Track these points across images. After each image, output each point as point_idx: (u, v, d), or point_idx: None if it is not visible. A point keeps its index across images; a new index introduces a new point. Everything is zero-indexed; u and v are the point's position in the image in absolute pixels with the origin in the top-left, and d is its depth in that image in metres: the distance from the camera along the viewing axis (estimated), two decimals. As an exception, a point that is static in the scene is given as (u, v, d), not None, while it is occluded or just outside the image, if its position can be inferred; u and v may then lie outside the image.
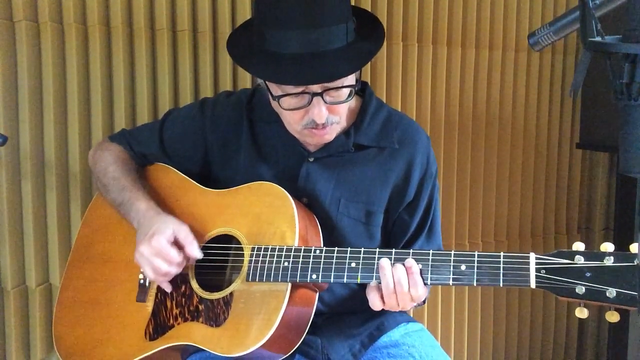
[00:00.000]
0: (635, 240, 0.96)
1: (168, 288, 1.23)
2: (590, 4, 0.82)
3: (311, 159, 1.30)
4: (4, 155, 1.58)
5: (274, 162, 1.32)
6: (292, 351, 1.17)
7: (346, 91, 1.17)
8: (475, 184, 2.15)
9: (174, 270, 1.19)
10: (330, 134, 1.23)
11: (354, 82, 1.18)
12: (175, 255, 1.17)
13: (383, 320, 1.35)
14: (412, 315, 1.45)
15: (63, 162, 1.66)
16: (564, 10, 2.17)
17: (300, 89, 1.13)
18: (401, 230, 1.34)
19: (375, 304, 1.12)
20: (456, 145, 2.09)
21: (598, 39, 0.82)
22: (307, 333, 1.18)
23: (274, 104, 1.21)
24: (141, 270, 1.28)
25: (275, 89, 1.16)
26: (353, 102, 1.33)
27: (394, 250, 1.10)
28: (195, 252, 1.20)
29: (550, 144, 2.27)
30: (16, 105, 1.60)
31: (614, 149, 2.13)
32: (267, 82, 1.18)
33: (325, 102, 1.15)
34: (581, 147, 2.29)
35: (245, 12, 1.76)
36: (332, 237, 1.29)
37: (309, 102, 1.14)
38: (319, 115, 1.15)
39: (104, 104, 1.67)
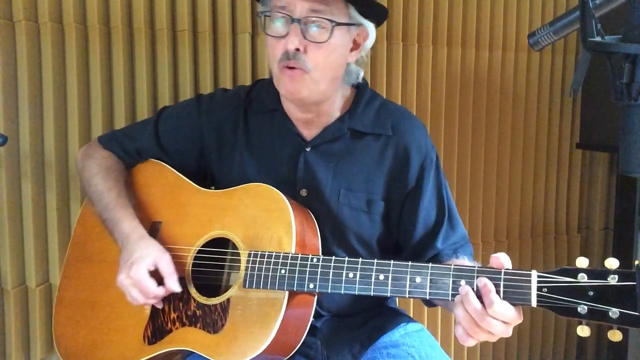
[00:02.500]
0: (635, 240, 0.95)
1: (159, 305, 1.22)
2: (590, 4, 0.82)
3: (308, 148, 1.29)
4: (4, 155, 1.58)
5: (271, 154, 1.32)
6: (292, 353, 1.17)
7: (326, 33, 1.16)
8: (475, 183, 2.15)
9: (152, 302, 1.20)
10: (301, 84, 1.19)
11: (339, 21, 1.17)
12: (152, 288, 1.16)
13: (383, 320, 1.35)
14: (412, 315, 1.44)
15: (63, 162, 1.66)
16: (564, 10, 2.17)
17: (283, 9, 1.15)
18: (411, 219, 1.30)
19: (462, 338, 1.03)
20: (456, 145, 2.09)
21: (598, 39, 0.82)
22: (306, 334, 1.17)
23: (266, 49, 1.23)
24: None
25: (265, 7, 1.20)
26: (347, 91, 1.33)
27: (392, 262, 1.07)
28: (174, 285, 1.18)
29: (550, 144, 2.27)
30: (16, 105, 1.60)
31: (614, 149, 2.13)
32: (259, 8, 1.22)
33: (304, 37, 1.15)
34: (581, 147, 2.29)
35: (245, 12, 1.76)
36: (335, 228, 1.28)
37: (288, 33, 1.15)
38: (292, 40, 1.14)
39: (104, 104, 1.67)
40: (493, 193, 2.19)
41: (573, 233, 2.38)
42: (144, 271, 1.16)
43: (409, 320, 1.38)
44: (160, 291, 1.18)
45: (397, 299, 1.48)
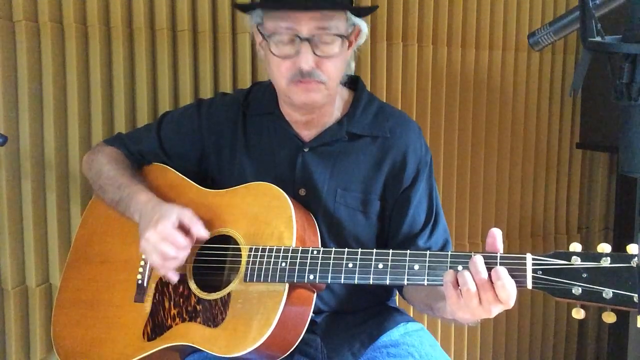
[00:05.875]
0: (635, 240, 0.96)
1: (175, 278, 1.21)
2: (590, 4, 0.82)
3: (306, 149, 1.31)
4: (4, 155, 1.58)
5: (269, 155, 1.33)
6: (290, 350, 1.17)
7: (335, 46, 1.18)
8: (475, 183, 2.15)
9: (182, 255, 1.19)
10: (316, 93, 1.21)
11: (344, 34, 1.19)
12: (181, 239, 1.17)
13: (383, 319, 1.35)
14: (412, 315, 1.44)
15: (63, 162, 1.66)
16: (564, 10, 2.17)
17: (289, 30, 1.15)
18: (400, 217, 1.32)
19: (452, 309, 1.02)
20: (456, 145, 2.09)
21: (598, 39, 0.82)
22: (306, 332, 1.18)
23: (265, 63, 1.24)
24: (140, 267, 1.28)
25: (268, 27, 1.19)
26: (346, 93, 1.35)
27: (391, 251, 1.08)
28: (202, 231, 1.21)
29: (550, 144, 2.27)
30: (16, 105, 1.60)
31: (614, 149, 2.13)
32: (259, 27, 1.22)
33: (315, 54, 1.16)
34: (581, 147, 2.29)
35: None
36: (332, 227, 1.30)
37: (298, 52, 1.16)
38: (305, 60, 1.16)
39: (104, 104, 1.67)
40: (493, 193, 2.19)
41: (573, 233, 2.38)
42: (171, 225, 1.17)
43: (409, 319, 1.39)
44: (189, 242, 1.18)
45: (397, 299, 1.49)
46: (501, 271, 0.96)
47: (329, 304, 1.33)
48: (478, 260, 0.98)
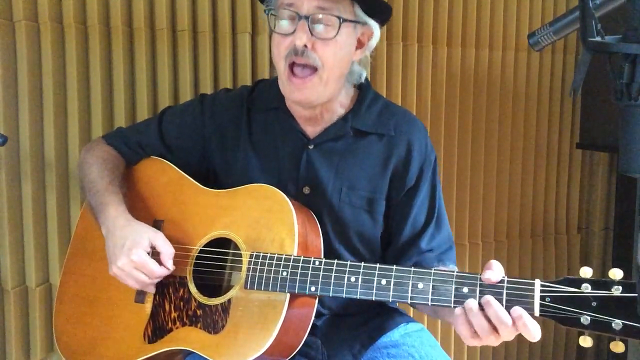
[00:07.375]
0: (635, 240, 0.95)
1: (152, 289, 1.24)
2: (590, 4, 0.82)
3: (311, 146, 1.30)
4: (4, 155, 1.58)
5: (274, 151, 1.32)
6: (292, 355, 1.17)
7: (334, 29, 1.17)
8: (475, 183, 2.15)
9: (156, 281, 1.21)
10: (310, 90, 1.20)
11: (345, 17, 1.18)
12: (157, 268, 1.18)
13: (383, 320, 1.35)
14: (412, 316, 1.44)
15: (63, 162, 1.66)
16: (564, 10, 2.17)
17: (291, 7, 1.15)
18: (402, 217, 1.31)
19: (466, 338, 1.02)
20: (456, 145, 2.09)
21: (598, 39, 0.82)
22: (307, 334, 1.18)
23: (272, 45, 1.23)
24: None
25: (274, 4, 1.19)
26: (351, 90, 1.34)
27: (394, 267, 1.07)
28: (170, 264, 1.20)
29: (550, 144, 2.27)
30: (16, 105, 1.60)
31: (614, 149, 2.13)
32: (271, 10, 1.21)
33: (312, 34, 1.16)
34: (581, 147, 2.29)
35: (245, 12, 1.76)
36: (336, 225, 1.29)
37: (295, 30, 1.16)
38: (300, 37, 1.15)
39: (104, 104, 1.67)
40: (493, 193, 2.19)
41: (573, 233, 2.38)
42: (145, 253, 1.17)
43: (409, 320, 1.38)
44: (164, 270, 1.19)
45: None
46: (526, 318, 0.94)
47: (330, 307, 1.32)
48: (500, 310, 0.96)
